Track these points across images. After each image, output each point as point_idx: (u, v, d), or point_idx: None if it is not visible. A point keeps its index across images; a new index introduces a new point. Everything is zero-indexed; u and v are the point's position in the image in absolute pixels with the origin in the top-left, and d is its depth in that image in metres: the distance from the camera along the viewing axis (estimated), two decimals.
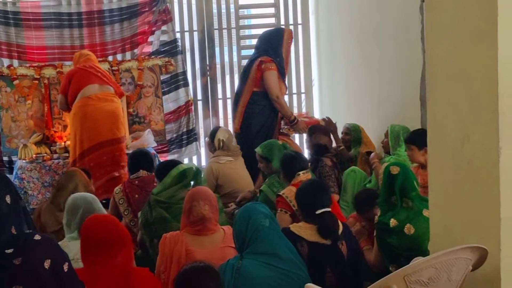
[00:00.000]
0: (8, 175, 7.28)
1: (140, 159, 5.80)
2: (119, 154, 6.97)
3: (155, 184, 5.38)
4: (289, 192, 5.00)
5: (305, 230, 4.09)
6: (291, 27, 8.80)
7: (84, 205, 4.43)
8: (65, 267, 2.95)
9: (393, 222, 4.19)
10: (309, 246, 4.02)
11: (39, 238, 2.91)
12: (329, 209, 4.16)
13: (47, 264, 2.86)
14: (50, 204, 5.45)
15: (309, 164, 5.75)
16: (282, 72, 7.08)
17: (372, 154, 6.15)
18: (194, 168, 5.07)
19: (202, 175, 5.24)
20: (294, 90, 8.92)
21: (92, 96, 6.88)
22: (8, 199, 2.87)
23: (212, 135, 6.69)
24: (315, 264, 3.95)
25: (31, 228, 3.09)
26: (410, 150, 5.35)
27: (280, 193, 5.06)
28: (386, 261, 4.28)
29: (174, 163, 5.32)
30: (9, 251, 2.81)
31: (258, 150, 5.93)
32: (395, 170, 4.31)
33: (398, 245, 4.15)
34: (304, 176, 5.16)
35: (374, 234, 4.41)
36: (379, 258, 4.39)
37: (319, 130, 6.60)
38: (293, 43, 8.74)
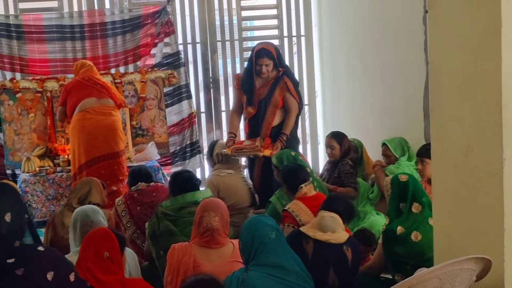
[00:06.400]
0: None
1: (138, 173, 5.81)
2: (118, 168, 6.95)
3: (154, 194, 5.45)
4: (294, 206, 5.04)
5: (311, 230, 4.15)
6: (294, 39, 8.84)
7: (81, 218, 4.41)
8: (72, 277, 2.95)
9: (400, 229, 4.21)
10: (315, 243, 4.06)
11: (43, 250, 2.91)
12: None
13: (49, 276, 2.85)
14: (63, 211, 5.36)
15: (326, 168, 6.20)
16: (242, 84, 6.74)
17: (375, 160, 6.15)
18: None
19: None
20: None
21: (89, 109, 6.87)
22: (7, 217, 2.86)
23: (210, 150, 6.75)
24: (319, 262, 3.99)
25: (36, 241, 3.09)
26: (424, 164, 5.32)
27: (286, 208, 5.08)
28: (391, 270, 4.29)
29: (185, 173, 5.31)
30: (11, 260, 2.80)
31: (273, 159, 6.00)
32: (404, 177, 4.39)
33: (404, 253, 4.16)
34: (306, 188, 5.20)
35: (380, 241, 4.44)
36: (377, 260, 4.44)
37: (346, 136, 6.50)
38: (296, 55, 8.78)
